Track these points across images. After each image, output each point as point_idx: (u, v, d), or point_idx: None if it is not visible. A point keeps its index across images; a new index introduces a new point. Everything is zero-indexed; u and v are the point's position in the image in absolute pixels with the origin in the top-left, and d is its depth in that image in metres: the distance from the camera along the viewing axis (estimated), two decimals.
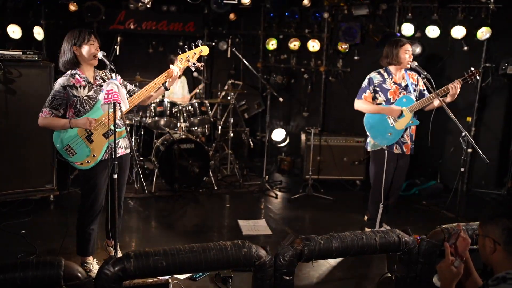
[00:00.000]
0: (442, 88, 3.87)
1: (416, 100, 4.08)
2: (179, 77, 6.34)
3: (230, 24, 7.31)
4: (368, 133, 4.23)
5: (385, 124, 4.14)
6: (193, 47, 3.45)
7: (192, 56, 3.43)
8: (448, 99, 3.91)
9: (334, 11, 6.65)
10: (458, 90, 3.86)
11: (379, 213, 4.26)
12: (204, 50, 3.47)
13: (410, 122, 4.10)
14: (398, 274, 2.79)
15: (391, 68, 4.16)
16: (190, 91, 6.72)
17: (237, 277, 3.41)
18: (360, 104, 4.20)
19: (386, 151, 4.13)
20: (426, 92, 4.17)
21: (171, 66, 3.36)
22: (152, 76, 6.75)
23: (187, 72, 6.68)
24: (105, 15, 6.28)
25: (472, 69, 3.90)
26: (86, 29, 3.28)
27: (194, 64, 3.43)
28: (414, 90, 4.17)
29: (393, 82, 4.14)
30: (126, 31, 6.63)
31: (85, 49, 3.20)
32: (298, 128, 7.13)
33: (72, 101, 3.19)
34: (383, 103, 4.15)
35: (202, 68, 3.64)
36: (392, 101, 4.13)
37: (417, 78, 4.21)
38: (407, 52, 4.03)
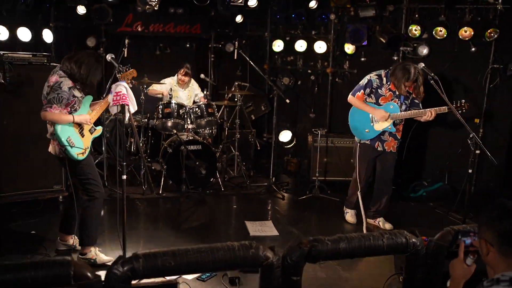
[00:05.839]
0: (438, 108, 4.20)
1: (402, 110, 4.40)
2: (187, 83, 6.32)
3: (236, 26, 7.32)
4: (349, 123, 4.62)
5: (366, 120, 4.53)
6: (126, 69, 3.77)
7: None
8: (422, 119, 4.32)
9: (340, 12, 6.63)
10: (431, 119, 4.24)
11: (359, 200, 4.65)
12: (134, 73, 3.81)
13: (388, 127, 4.48)
14: (406, 275, 2.79)
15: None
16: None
17: (245, 277, 3.42)
18: (353, 101, 4.56)
19: (362, 144, 4.59)
20: (416, 101, 4.46)
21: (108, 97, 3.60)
22: (159, 78, 6.75)
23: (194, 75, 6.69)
24: (113, 17, 6.32)
25: (463, 101, 4.13)
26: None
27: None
28: (406, 99, 4.45)
29: (389, 88, 4.43)
30: (134, 34, 6.67)
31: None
32: (305, 129, 7.12)
33: (72, 101, 3.49)
34: (371, 104, 4.51)
35: (131, 85, 3.87)
36: (381, 105, 4.46)
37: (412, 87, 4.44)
38: (408, 87, 4.35)
